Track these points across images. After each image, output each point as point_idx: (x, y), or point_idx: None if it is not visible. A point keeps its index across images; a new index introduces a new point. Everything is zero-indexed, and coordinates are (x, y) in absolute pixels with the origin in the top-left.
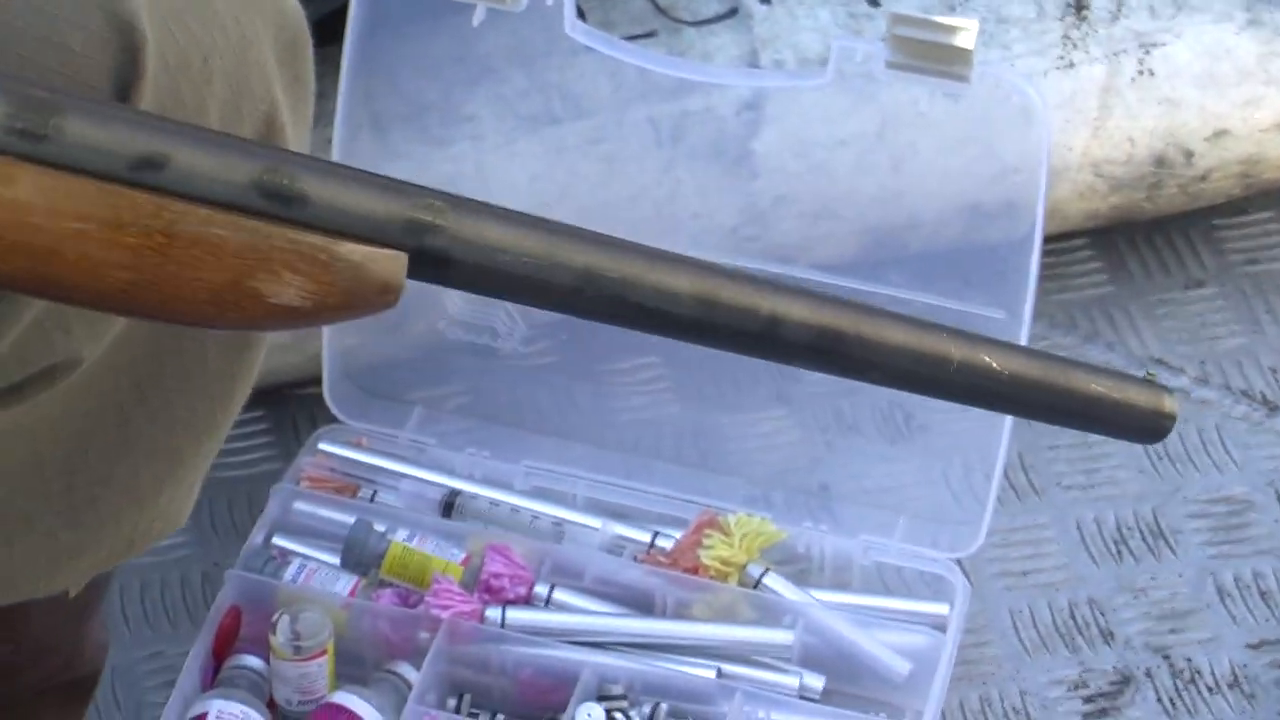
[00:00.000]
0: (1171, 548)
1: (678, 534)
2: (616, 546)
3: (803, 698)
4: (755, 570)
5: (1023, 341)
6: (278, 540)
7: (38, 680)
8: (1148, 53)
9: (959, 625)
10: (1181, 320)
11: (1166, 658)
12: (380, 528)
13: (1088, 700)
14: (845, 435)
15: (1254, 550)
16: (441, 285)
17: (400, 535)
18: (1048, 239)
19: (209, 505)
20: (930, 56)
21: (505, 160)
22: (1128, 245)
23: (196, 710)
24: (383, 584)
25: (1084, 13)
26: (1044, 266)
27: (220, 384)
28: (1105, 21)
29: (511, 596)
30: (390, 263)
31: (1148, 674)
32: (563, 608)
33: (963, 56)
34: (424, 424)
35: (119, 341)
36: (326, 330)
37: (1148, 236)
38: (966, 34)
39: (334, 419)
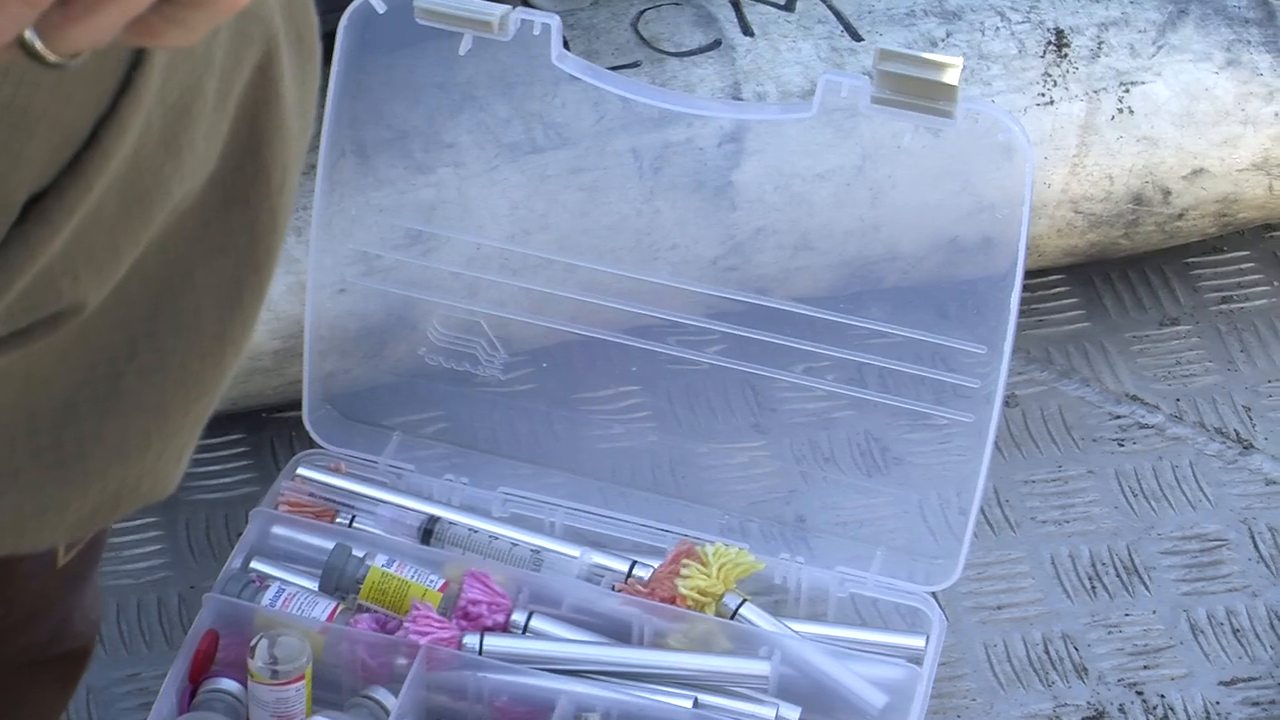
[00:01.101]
0: (1145, 584)
1: (655, 563)
2: (594, 575)
3: None
4: (732, 601)
5: (1002, 376)
6: (256, 564)
7: (27, 648)
8: (1127, 90)
9: (934, 658)
10: (1156, 357)
11: (1140, 694)
12: (359, 553)
13: None
14: (822, 467)
15: (1227, 588)
16: None
17: (379, 560)
18: (1025, 274)
19: (187, 527)
20: (916, 92)
21: (486, 187)
22: (1104, 282)
23: None
24: (361, 609)
25: (1065, 50)
26: (1021, 301)
27: (213, 344)
28: (1086, 59)
29: (489, 623)
30: None
31: (1121, 709)
32: (540, 635)
33: (948, 93)
34: (403, 450)
35: (115, 293)
36: (307, 355)
37: (1123, 273)
38: (953, 70)
39: (313, 444)
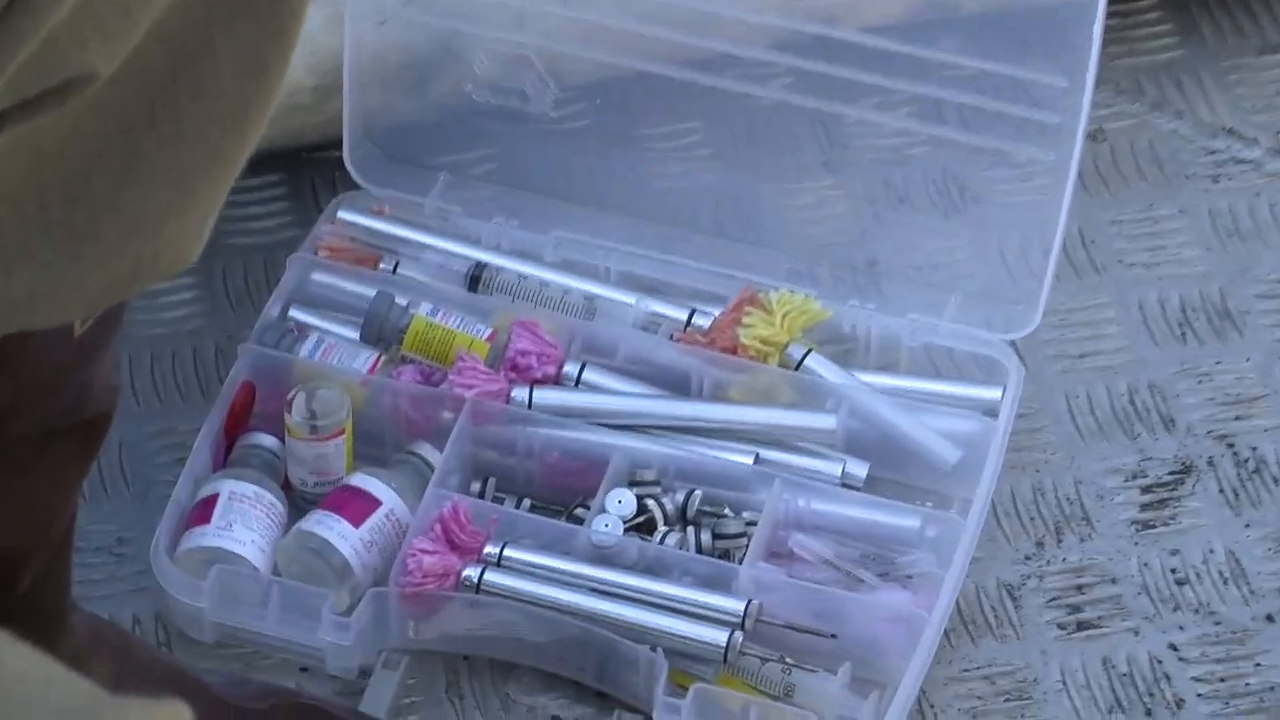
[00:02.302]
0: (1238, 330)
1: (716, 311)
2: (651, 324)
3: (845, 485)
4: (797, 351)
5: (1084, 110)
6: (294, 313)
7: (45, 419)
8: None
9: (1011, 411)
10: (1255, 87)
11: (1230, 446)
12: (402, 301)
13: (1146, 490)
14: (895, 207)
15: None
16: None
17: (423, 309)
18: (1114, 0)
19: (223, 273)
20: None
21: None
22: (1200, 7)
23: (208, 490)
24: (404, 360)
25: None
26: (1109, 29)
27: (234, 110)
28: None
29: (539, 376)
30: None
31: (1210, 463)
32: (593, 388)
33: None
34: (449, 191)
35: (133, 59)
36: (347, 89)
37: None
38: None
39: (354, 185)
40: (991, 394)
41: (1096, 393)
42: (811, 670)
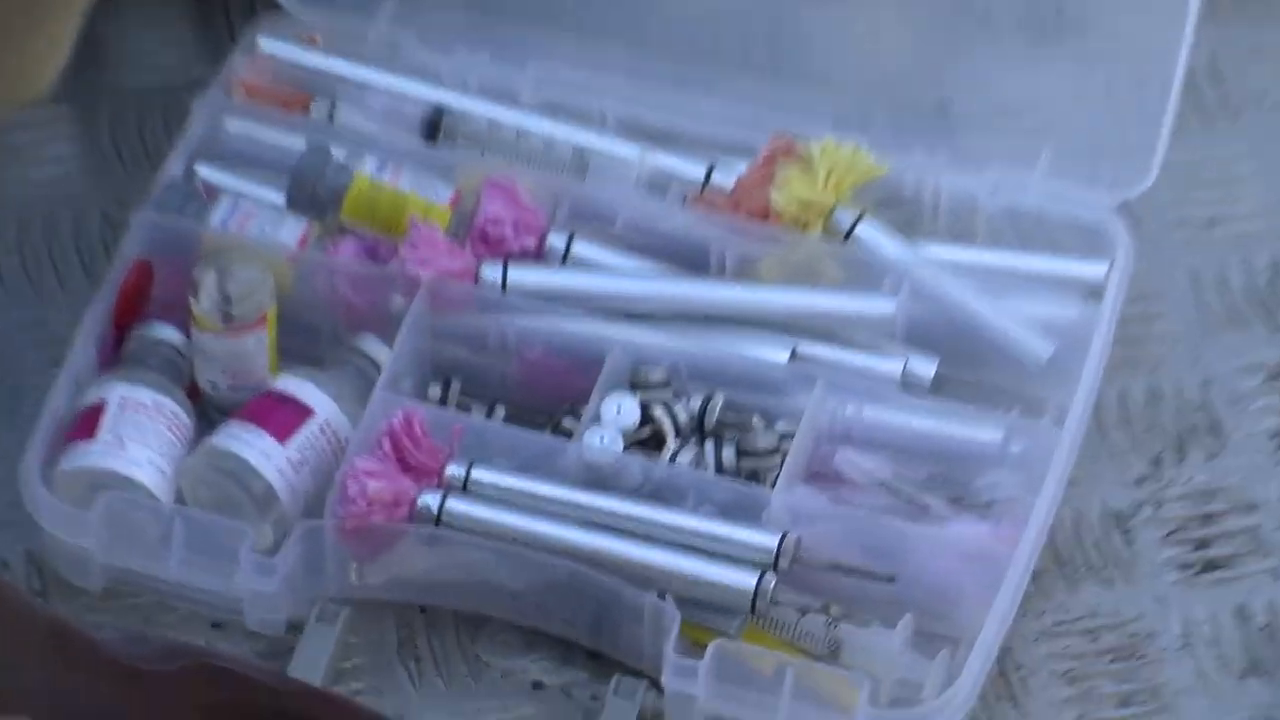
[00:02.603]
0: None
1: (742, 166)
2: (658, 183)
3: (907, 388)
4: (846, 217)
5: None
6: (202, 171)
7: None
8: None
9: (1120, 292)
10: None
11: None
12: (339, 155)
13: None
14: (973, 33)
15: None
16: None
17: (367, 166)
18: None
19: (110, 121)
20: None
21: None
22: None
23: (93, 396)
24: (342, 231)
25: None
26: None
27: None
28: None
29: (516, 249)
30: None
31: None
32: (585, 265)
33: None
34: (401, 15)
35: None
36: None
37: None
38: None
39: (278, 6)
40: (1094, 271)
41: (1229, 269)
42: (863, 623)
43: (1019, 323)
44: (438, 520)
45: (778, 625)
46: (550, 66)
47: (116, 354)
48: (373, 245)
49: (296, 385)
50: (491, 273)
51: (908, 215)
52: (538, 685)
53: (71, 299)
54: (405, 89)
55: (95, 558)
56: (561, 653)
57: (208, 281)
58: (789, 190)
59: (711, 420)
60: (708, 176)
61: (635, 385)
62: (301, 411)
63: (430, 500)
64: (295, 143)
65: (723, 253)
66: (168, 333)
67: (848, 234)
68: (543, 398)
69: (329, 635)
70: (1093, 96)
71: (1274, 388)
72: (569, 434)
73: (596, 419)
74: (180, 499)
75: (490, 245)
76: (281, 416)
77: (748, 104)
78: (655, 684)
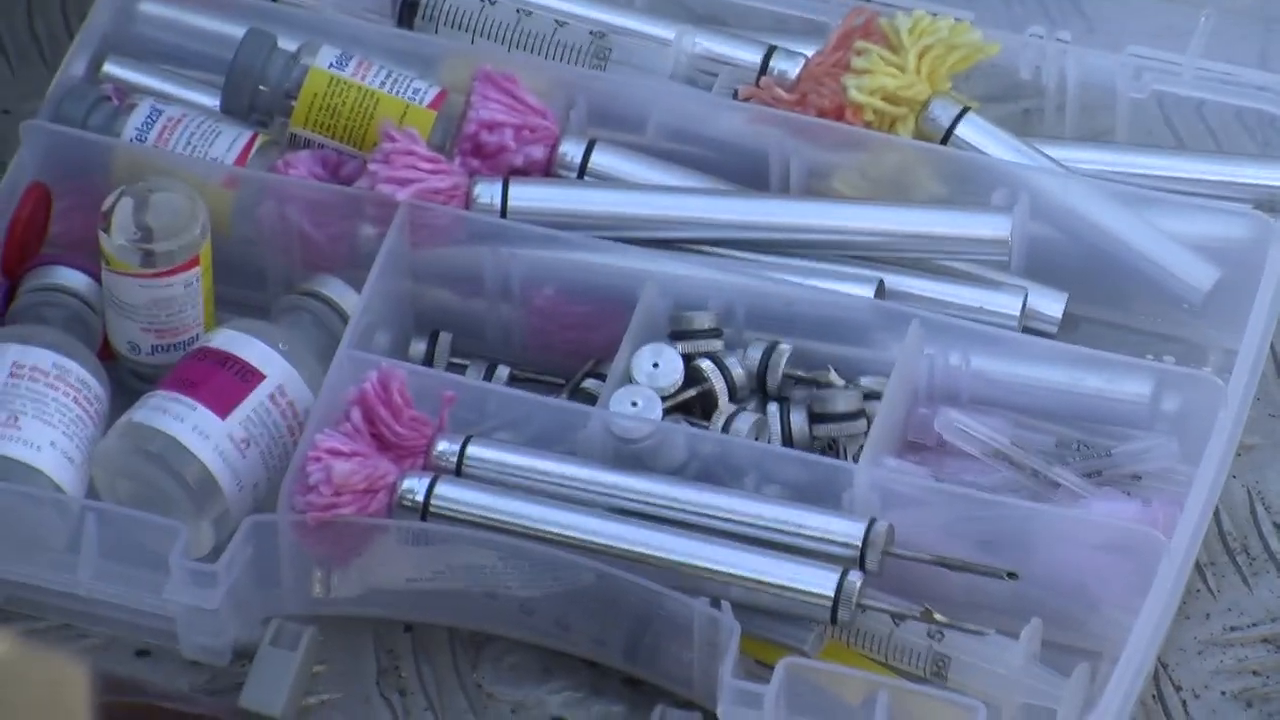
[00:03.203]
0: None
1: (810, 51)
2: (702, 74)
3: (1029, 331)
4: (945, 111)
5: None
6: (111, 68)
7: None
8: None
9: None
10: None
11: None
12: (289, 45)
13: None
14: None
15: None
16: None
17: (324, 58)
18: None
19: None
20: None
21: None
22: None
23: None
24: (295, 143)
25: None
26: None
27: None
28: None
29: (520, 162)
30: None
31: None
32: (608, 181)
33: None
34: None
35: None
36: None
37: None
38: None
39: None
40: (1271, 176)
41: None
42: (977, 632)
43: (1172, 245)
44: (425, 512)
45: (866, 638)
46: None
47: (7, 308)
48: (334, 160)
49: (239, 342)
50: (487, 193)
51: (1025, 110)
52: None
53: None
54: None
55: None
56: (589, 680)
57: (122, 211)
58: (870, 79)
59: (776, 377)
60: (765, 63)
61: (676, 334)
62: (246, 376)
63: (415, 486)
64: (231, 29)
65: (786, 161)
66: (71, 278)
67: (947, 135)
68: (557, 353)
69: (288, 663)
70: None
71: None
72: (592, 399)
73: (627, 378)
74: (93, 492)
75: (485, 158)
76: (220, 383)
77: None
78: (709, 716)
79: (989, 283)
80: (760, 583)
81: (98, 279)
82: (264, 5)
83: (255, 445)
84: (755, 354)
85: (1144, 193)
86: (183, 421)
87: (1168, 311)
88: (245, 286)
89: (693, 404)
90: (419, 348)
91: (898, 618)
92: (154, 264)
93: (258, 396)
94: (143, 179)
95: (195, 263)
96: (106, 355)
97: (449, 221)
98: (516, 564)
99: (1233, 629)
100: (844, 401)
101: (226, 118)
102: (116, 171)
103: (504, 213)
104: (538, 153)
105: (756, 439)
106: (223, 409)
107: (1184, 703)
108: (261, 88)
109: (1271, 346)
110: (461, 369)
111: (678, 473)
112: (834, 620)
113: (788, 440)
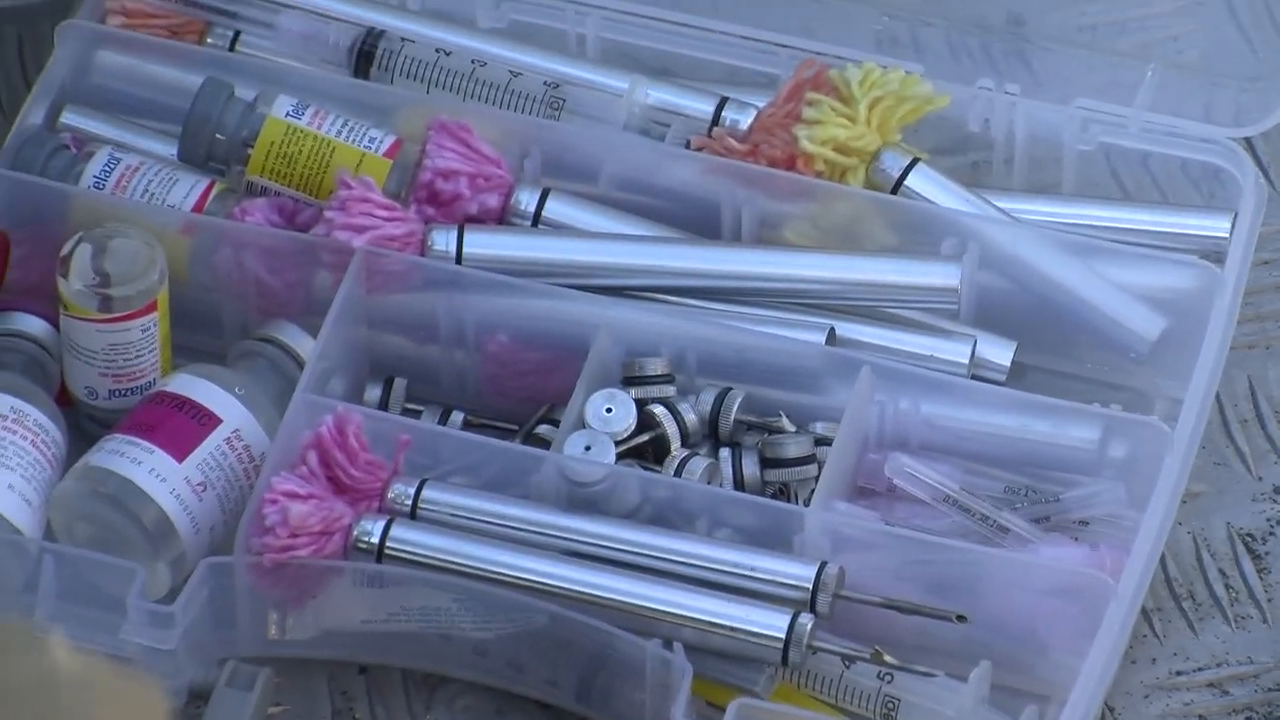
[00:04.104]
0: None
1: (761, 102)
2: (654, 123)
3: (978, 379)
4: (894, 162)
5: None
6: (69, 118)
7: None
8: None
9: (1247, 253)
10: None
11: None
12: (247, 95)
13: None
14: None
15: None
16: None
17: (281, 107)
18: None
19: None
20: None
21: None
22: None
23: None
24: (252, 190)
25: None
26: None
27: None
28: None
29: (474, 210)
30: None
31: None
32: (561, 230)
33: None
34: None
35: None
36: None
37: None
38: None
39: None
40: (1215, 227)
41: None
42: (927, 674)
43: (1120, 295)
44: (380, 554)
45: (817, 679)
46: None
47: None
48: (291, 208)
49: (196, 387)
50: (442, 240)
51: (974, 161)
52: None
53: None
54: (329, 6)
55: None
56: None
57: (80, 256)
58: (821, 130)
59: (728, 422)
60: (717, 114)
61: (629, 380)
62: (203, 420)
63: (370, 528)
64: (188, 79)
65: (738, 211)
66: (29, 323)
67: (897, 185)
68: (511, 399)
69: (243, 704)
70: (1208, 6)
71: None
72: (546, 443)
73: (581, 423)
74: (51, 534)
75: (441, 205)
76: (177, 427)
77: (765, 23)
78: None
79: (939, 331)
80: (712, 624)
81: (55, 324)
82: (221, 55)
83: (212, 489)
84: (708, 399)
85: (1091, 242)
86: (140, 465)
87: (1115, 360)
88: (202, 332)
89: (645, 448)
90: (374, 393)
91: (848, 659)
92: (111, 309)
93: (214, 440)
94: (100, 226)
95: (153, 308)
96: (64, 400)
97: (404, 268)
98: (471, 606)
99: (1179, 673)
100: (795, 447)
101: (184, 166)
102: (74, 218)
103: (459, 260)
104: (492, 201)
105: (709, 483)
106: (180, 452)
107: None
108: (219, 136)
109: (1217, 395)
110: (417, 414)
111: (631, 516)
112: (785, 662)
113: (739, 485)
